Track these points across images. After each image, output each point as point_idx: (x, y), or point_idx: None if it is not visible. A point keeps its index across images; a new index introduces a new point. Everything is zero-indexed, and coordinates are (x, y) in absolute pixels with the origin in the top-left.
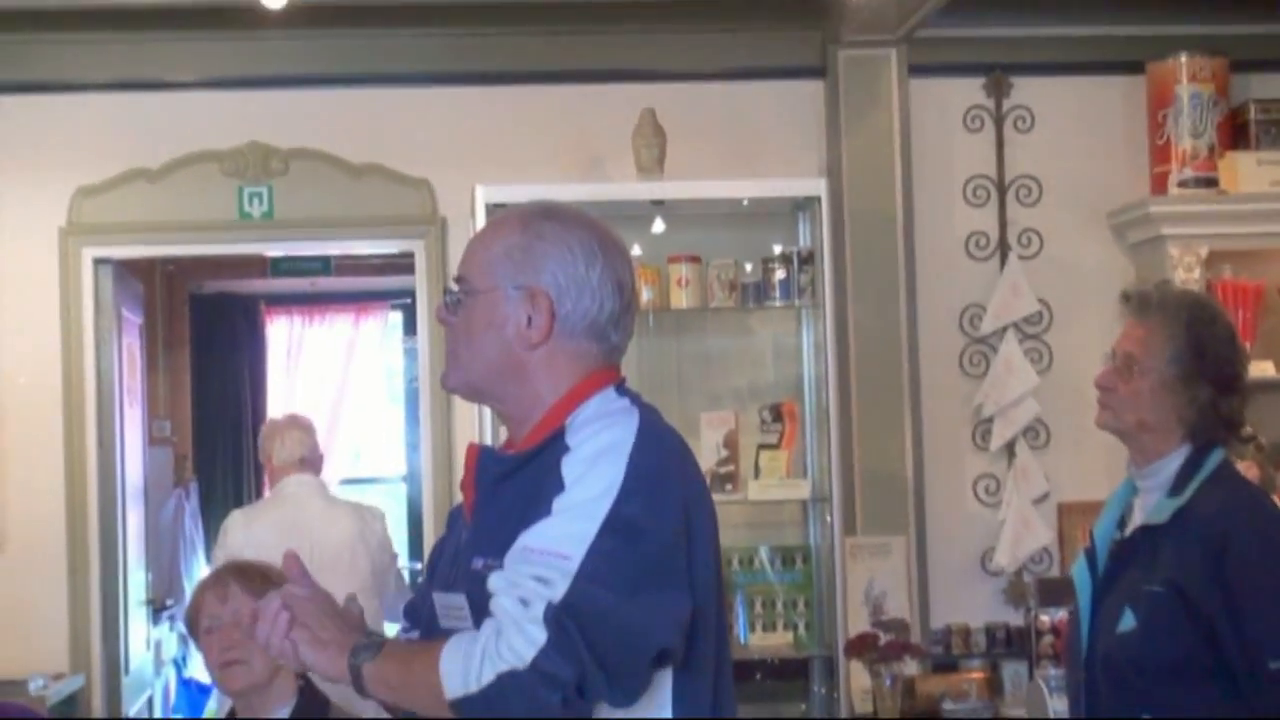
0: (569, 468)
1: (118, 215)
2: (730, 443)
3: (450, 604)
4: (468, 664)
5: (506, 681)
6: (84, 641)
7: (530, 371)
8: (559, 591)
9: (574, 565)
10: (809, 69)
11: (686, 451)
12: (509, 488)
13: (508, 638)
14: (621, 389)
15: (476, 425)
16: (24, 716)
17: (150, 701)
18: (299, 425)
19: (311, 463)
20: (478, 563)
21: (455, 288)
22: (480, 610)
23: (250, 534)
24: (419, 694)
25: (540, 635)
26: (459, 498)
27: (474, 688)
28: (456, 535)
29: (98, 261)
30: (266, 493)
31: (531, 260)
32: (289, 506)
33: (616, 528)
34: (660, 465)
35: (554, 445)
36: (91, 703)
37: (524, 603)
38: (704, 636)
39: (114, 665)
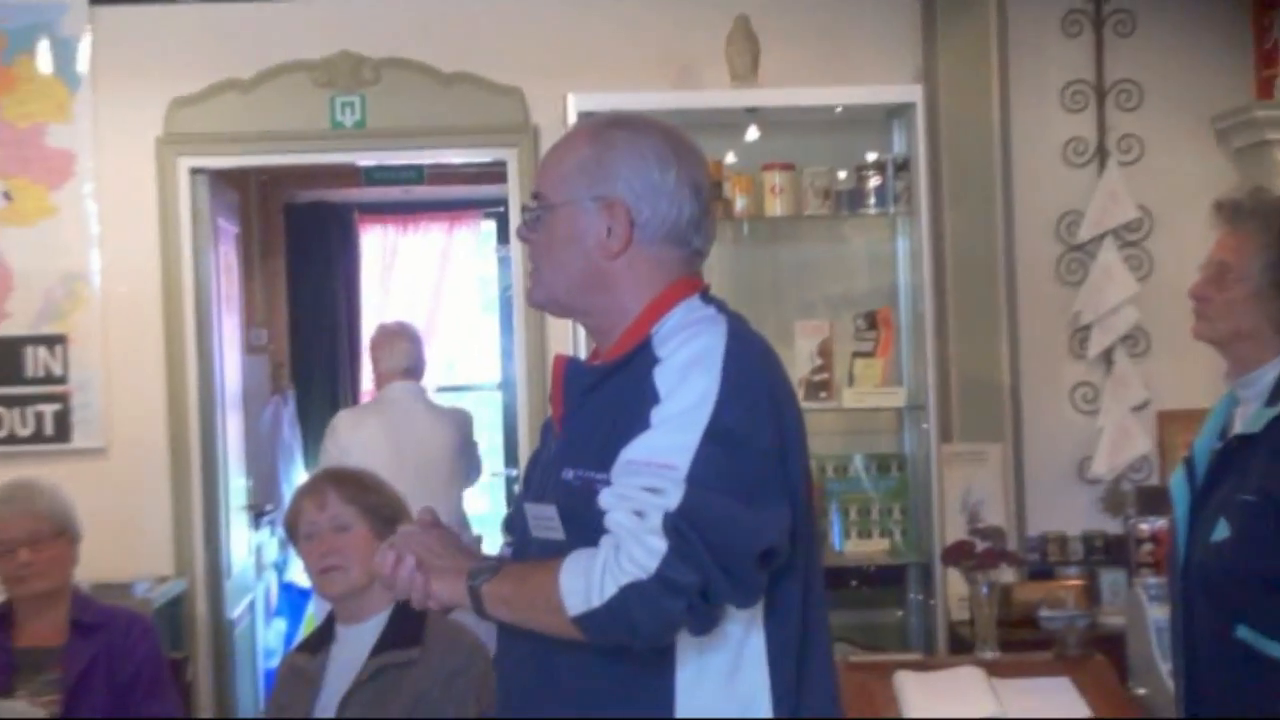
0: (662, 378)
1: (213, 125)
2: (824, 351)
3: (541, 514)
4: (589, 580)
5: (630, 593)
6: (187, 546)
7: (613, 282)
8: (673, 500)
9: (681, 474)
10: None
11: (775, 357)
12: (597, 398)
13: (628, 550)
14: (706, 296)
15: (570, 333)
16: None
17: (252, 604)
18: (407, 335)
19: (415, 371)
20: (567, 474)
21: (533, 204)
22: (571, 520)
23: (356, 435)
24: (538, 612)
25: (660, 544)
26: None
27: (596, 603)
28: (548, 447)
29: (194, 171)
30: (364, 398)
31: (605, 170)
32: (394, 411)
33: (717, 436)
34: (753, 371)
35: (641, 355)
36: (195, 606)
37: (639, 514)
38: (796, 540)
39: (216, 569)
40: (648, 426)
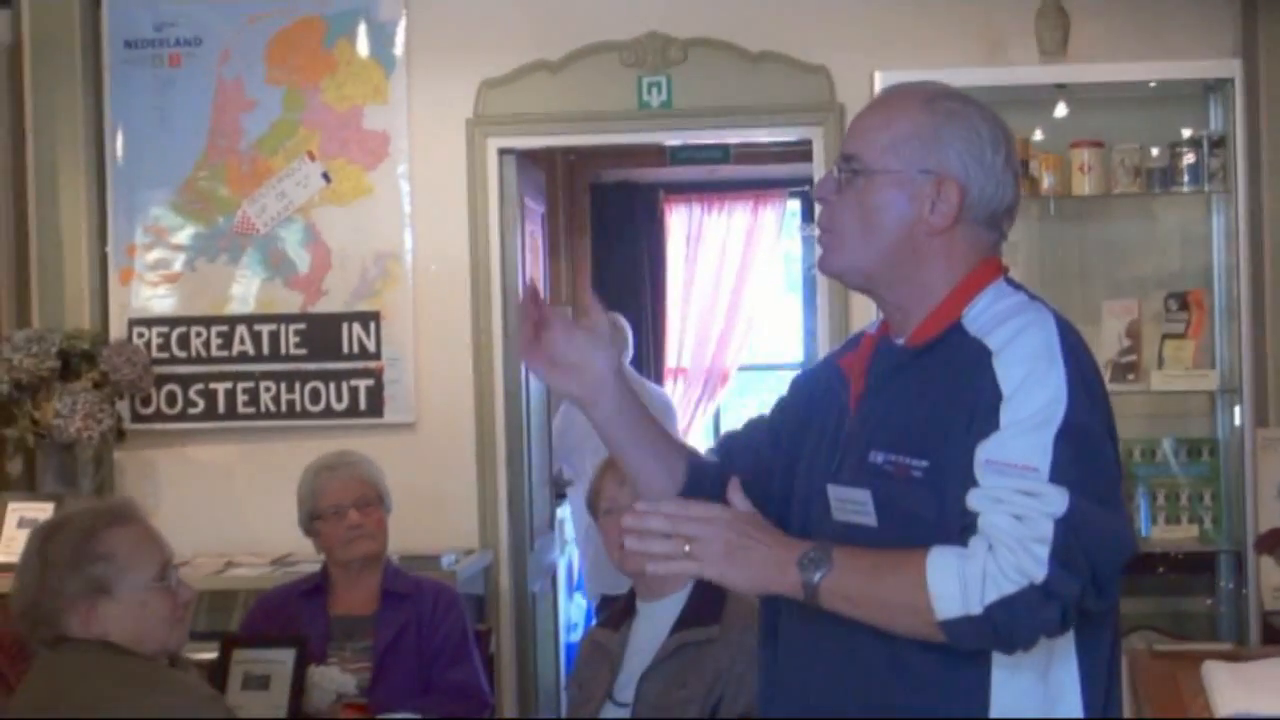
0: (1005, 372)
1: (521, 106)
2: (1133, 332)
3: (849, 498)
4: (966, 585)
5: (1014, 601)
6: (492, 520)
7: (926, 259)
8: (1058, 506)
9: (1044, 476)
10: None
11: (1090, 351)
12: (906, 380)
13: (1015, 557)
14: (1010, 280)
15: (875, 312)
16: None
17: (554, 578)
18: (618, 325)
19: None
20: (877, 457)
21: (845, 165)
22: (886, 507)
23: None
24: (892, 611)
25: (1044, 552)
26: None
27: (976, 609)
28: (830, 419)
29: (502, 152)
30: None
31: (940, 143)
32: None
33: (1071, 434)
34: (1089, 364)
35: (956, 339)
36: (499, 578)
37: (1019, 519)
38: None
39: (520, 543)
40: (997, 425)
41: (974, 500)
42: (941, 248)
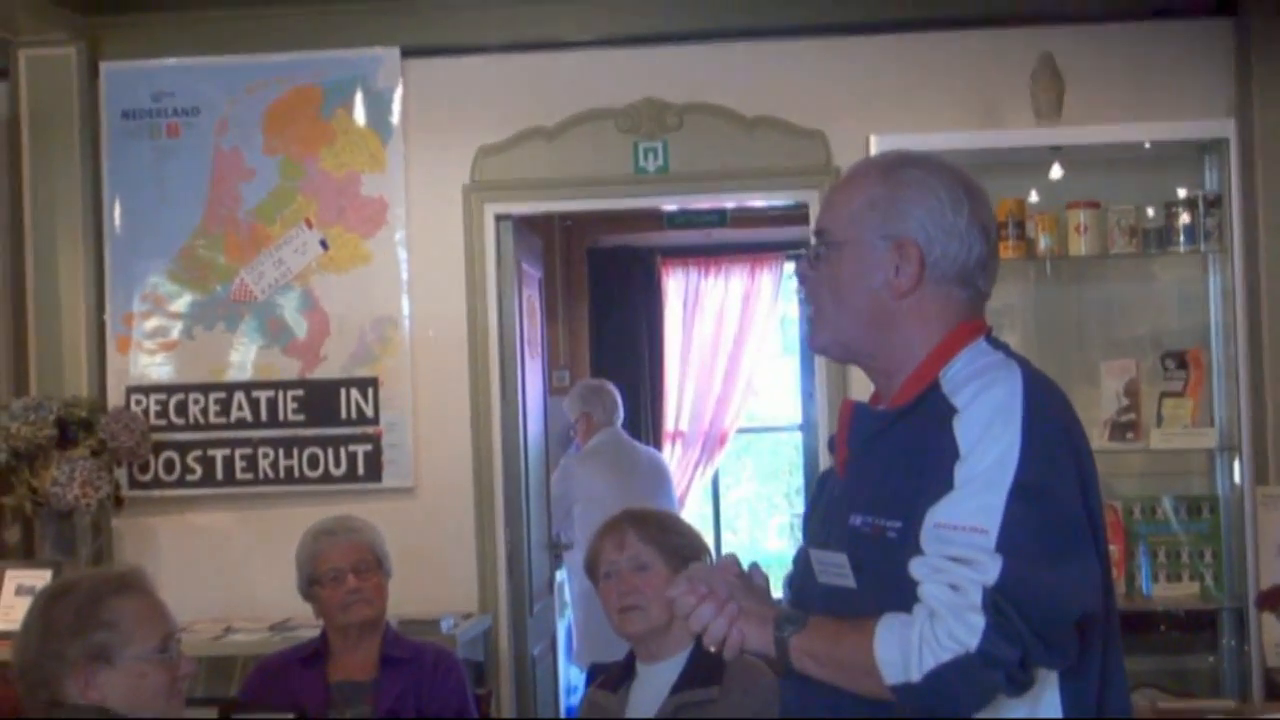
0: (963, 432)
1: (517, 173)
2: (1131, 391)
3: (829, 561)
4: (905, 652)
5: (950, 670)
6: (491, 583)
7: (899, 322)
8: (990, 574)
9: (991, 539)
10: (1214, 5)
11: (1067, 400)
12: (885, 443)
13: (948, 626)
14: (991, 339)
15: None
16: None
17: (553, 641)
18: (611, 388)
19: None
20: (855, 520)
21: (817, 242)
22: (862, 569)
23: (585, 474)
24: (852, 673)
25: (979, 621)
26: None
27: (916, 676)
28: (829, 492)
29: (499, 217)
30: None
31: (897, 209)
32: (616, 451)
33: (1024, 494)
34: (1053, 421)
35: (930, 400)
36: (498, 642)
37: (955, 588)
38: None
39: (519, 606)
40: (951, 486)
41: (915, 569)
42: (912, 309)
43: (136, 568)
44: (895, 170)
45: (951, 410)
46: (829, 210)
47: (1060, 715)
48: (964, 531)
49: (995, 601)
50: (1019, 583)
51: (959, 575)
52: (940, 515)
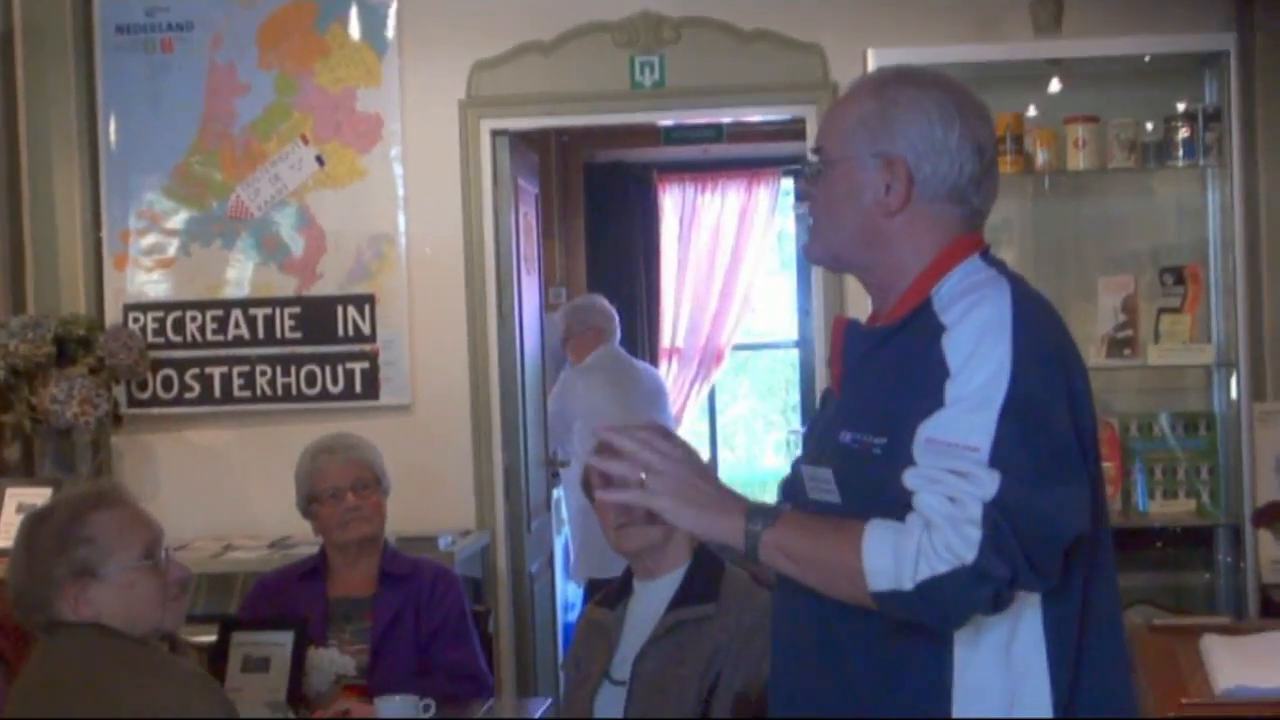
0: (952, 350)
1: (514, 87)
2: (1129, 307)
3: (818, 477)
4: (899, 561)
5: (945, 580)
6: (488, 501)
7: (891, 239)
8: (988, 489)
9: (984, 456)
10: None
11: (1059, 318)
12: (877, 361)
13: (945, 537)
14: (987, 256)
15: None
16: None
17: (551, 558)
18: (600, 308)
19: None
20: (845, 436)
21: (814, 159)
22: (846, 484)
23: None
24: (828, 574)
25: (976, 534)
26: None
27: (907, 585)
28: (827, 410)
29: (495, 133)
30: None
31: (887, 127)
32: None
33: (1015, 411)
34: (1043, 337)
35: (922, 317)
36: (496, 559)
37: (953, 500)
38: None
39: (517, 523)
40: (942, 403)
41: (910, 479)
42: (904, 227)
43: (115, 483)
44: (887, 87)
45: (941, 328)
46: (825, 127)
47: (1041, 634)
48: (958, 448)
49: (993, 517)
50: (1015, 500)
51: (957, 488)
52: (931, 430)
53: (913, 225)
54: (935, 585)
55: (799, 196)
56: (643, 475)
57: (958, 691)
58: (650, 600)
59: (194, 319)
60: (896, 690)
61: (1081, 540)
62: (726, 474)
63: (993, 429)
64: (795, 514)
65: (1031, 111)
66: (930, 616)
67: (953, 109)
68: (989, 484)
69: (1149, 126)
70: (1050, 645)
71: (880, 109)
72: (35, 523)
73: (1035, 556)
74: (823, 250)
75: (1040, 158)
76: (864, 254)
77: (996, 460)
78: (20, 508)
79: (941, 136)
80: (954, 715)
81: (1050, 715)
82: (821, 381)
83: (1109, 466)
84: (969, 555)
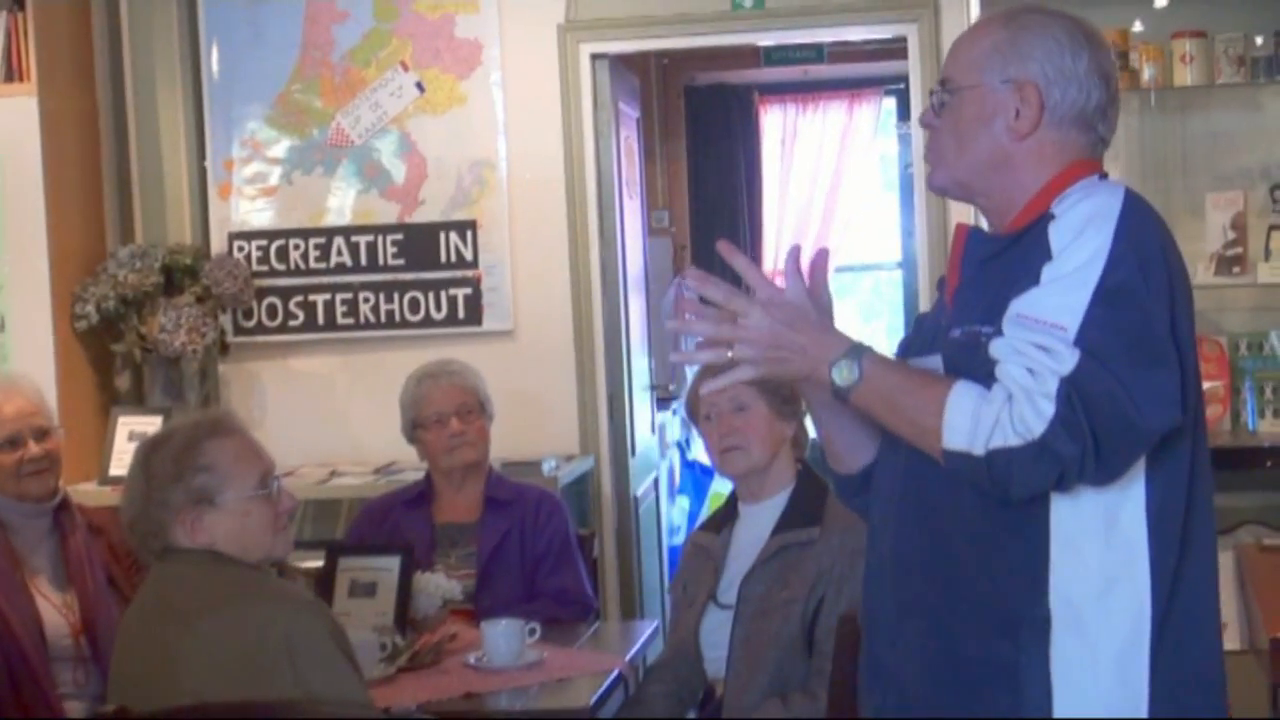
0: (1056, 235)
1: (613, 10)
2: (1238, 224)
3: (925, 365)
4: (977, 425)
5: (1014, 453)
6: (592, 425)
7: (1017, 163)
8: (1067, 365)
9: (1070, 335)
10: None
11: (1166, 227)
12: (994, 269)
13: (1020, 410)
14: (1104, 178)
15: (971, 210)
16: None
17: (656, 482)
18: None
19: None
20: (955, 332)
21: (940, 90)
22: (952, 370)
23: None
24: (909, 421)
25: (1049, 409)
26: None
27: (979, 450)
28: (936, 318)
29: (595, 57)
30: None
31: (1018, 53)
32: None
33: (1107, 295)
34: (1147, 231)
35: (1041, 226)
36: (601, 483)
37: (1032, 373)
38: (1185, 409)
39: (621, 447)
40: (1037, 282)
41: (995, 349)
42: (1032, 151)
43: (227, 411)
44: (1017, 16)
45: (1051, 218)
46: (953, 57)
47: (1144, 519)
48: (1044, 325)
49: (1067, 393)
50: (1092, 379)
51: (1038, 360)
52: (1022, 306)
53: (1040, 150)
54: (1004, 456)
55: (901, 116)
56: (729, 354)
57: (1055, 569)
58: (755, 524)
59: (297, 247)
60: (993, 563)
61: (1181, 435)
62: None
63: (1082, 311)
64: (882, 367)
65: (1138, 27)
66: (992, 484)
67: (1081, 38)
68: (1069, 360)
69: (1258, 41)
70: (1152, 535)
71: (1011, 36)
72: (151, 449)
73: (1105, 441)
74: (948, 177)
75: (1146, 74)
76: (988, 178)
77: (1081, 340)
78: (132, 435)
79: (1071, 64)
80: (1049, 592)
81: (1149, 605)
82: (925, 301)
83: (1218, 385)
84: (1038, 428)
